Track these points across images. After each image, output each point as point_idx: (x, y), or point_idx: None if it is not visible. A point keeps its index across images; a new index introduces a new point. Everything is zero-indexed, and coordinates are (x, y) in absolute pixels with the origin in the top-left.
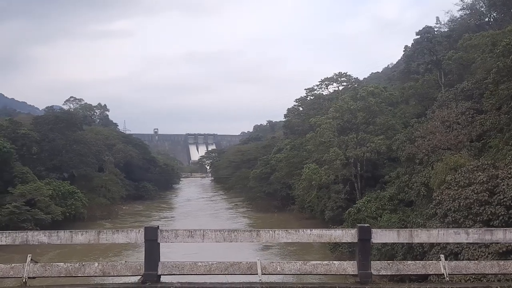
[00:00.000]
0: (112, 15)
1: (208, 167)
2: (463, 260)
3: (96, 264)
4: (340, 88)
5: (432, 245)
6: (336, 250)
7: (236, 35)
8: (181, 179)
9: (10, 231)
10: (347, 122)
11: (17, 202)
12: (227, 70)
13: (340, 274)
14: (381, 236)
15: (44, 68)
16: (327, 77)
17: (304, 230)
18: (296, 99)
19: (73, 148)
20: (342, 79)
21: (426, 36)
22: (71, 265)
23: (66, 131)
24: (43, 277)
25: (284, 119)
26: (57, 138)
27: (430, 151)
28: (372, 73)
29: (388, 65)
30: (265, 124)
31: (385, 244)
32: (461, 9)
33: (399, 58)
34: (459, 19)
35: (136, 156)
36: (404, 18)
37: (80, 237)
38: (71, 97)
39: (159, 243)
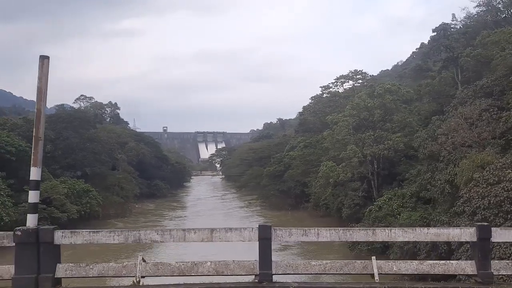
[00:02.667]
0: (123, 13)
1: (218, 165)
2: None
3: (209, 263)
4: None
5: None
6: (355, 248)
7: (246, 34)
8: (192, 177)
9: (122, 229)
10: (364, 120)
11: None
12: (237, 69)
13: (458, 274)
14: (501, 235)
15: (54, 67)
16: (342, 75)
17: (421, 229)
18: (311, 97)
19: (87, 147)
20: (358, 76)
21: (443, 33)
22: (183, 264)
23: (80, 129)
24: (155, 276)
25: (296, 117)
26: (71, 137)
27: (453, 148)
28: (381, 70)
29: (398, 63)
30: (275, 122)
31: (407, 242)
32: (477, 6)
33: (409, 55)
34: (475, 16)
35: (148, 154)
36: (413, 15)
37: (193, 235)
38: (82, 95)
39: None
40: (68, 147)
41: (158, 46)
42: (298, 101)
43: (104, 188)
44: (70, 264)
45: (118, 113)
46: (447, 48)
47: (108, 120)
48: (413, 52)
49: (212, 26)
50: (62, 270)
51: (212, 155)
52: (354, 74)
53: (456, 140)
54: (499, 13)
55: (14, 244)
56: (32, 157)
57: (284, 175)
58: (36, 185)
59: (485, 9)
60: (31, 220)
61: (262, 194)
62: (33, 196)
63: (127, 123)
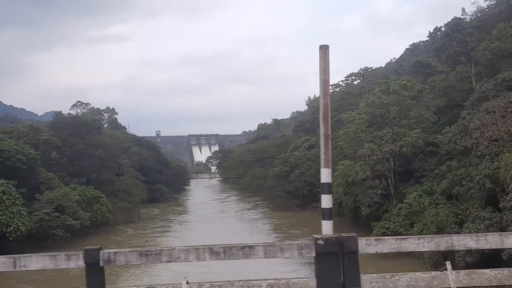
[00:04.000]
0: (109, 20)
1: (214, 168)
2: None
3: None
4: (355, 82)
5: None
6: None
7: (231, 36)
8: (190, 180)
9: (432, 236)
10: (379, 117)
11: (47, 209)
12: (223, 71)
13: None
14: None
15: (42, 74)
16: (353, 72)
17: None
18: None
19: (94, 153)
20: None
21: (455, 27)
22: (499, 273)
23: (86, 135)
24: (470, 287)
25: (290, 117)
26: (77, 143)
27: (488, 143)
28: (375, 67)
29: (391, 60)
30: (269, 123)
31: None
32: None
33: (402, 52)
34: (486, 9)
35: (150, 159)
36: (397, 14)
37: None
38: (78, 101)
39: None
40: (74, 154)
41: (145, 51)
42: (289, 101)
43: (111, 194)
44: (373, 275)
45: (116, 119)
46: (459, 42)
47: (106, 125)
48: (406, 48)
49: (197, 29)
50: (367, 282)
51: (209, 157)
52: (365, 71)
53: (490, 134)
54: None
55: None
56: (323, 157)
57: (290, 176)
58: (329, 189)
59: (494, 2)
60: (327, 227)
61: (267, 195)
62: (326, 201)
63: (125, 128)
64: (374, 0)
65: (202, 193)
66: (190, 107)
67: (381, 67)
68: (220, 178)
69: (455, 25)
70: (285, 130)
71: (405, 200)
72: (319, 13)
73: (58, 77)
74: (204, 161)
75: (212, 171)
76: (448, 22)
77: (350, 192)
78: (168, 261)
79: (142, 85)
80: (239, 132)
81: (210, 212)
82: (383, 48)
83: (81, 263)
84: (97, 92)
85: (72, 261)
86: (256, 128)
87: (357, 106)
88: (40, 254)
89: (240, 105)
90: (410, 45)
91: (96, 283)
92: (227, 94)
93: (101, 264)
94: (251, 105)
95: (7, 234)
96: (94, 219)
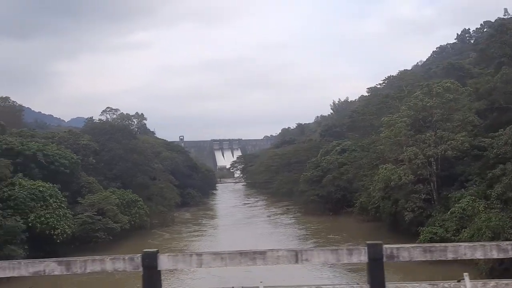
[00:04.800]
0: (131, 27)
1: (238, 172)
2: None
3: None
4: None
5: None
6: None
7: (250, 42)
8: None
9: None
10: (421, 120)
11: (89, 212)
12: (243, 76)
13: None
14: None
15: (67, 82)
16: (391, 75)
17: None
18: (359, 97)
19: (130, 157)
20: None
21: (500, 28)
22: None
23: (122, 140)
24: None
25: (314, 121)
26: (115, 148)
27: None
28: (399, 71)
29: (417, 63)
30: (292, 127)
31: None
32: None
33: (429, 55)
34: None
35: (181, 163)
36: (420, 17)
37: None
38: (107, 107)
39: None
40: (111, 158)
41: (166, 57)
42: (309, 105)
43: (146, 198)
44: (397, 283)
45: (145, 124)
46: (503, 43)
47: (135, 130)
48: (433, 51)
49: (218, 35)
50: None
51: (234, 162)
52: (403, 75)
53: None
54: None
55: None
56: None
57: (322, 180)
58: None
59: None
60: None
61: (298, 200)
62: None
63: (153, 133)
64: (394, 3)
65: (230, 198)
66: (212, 112)
67: (406, 70)
68: (245, 183)
69: (500, 26)
70: (312, 135)
71: (457, 205)
72: (339, 17)
73: (82, 84)
74: (227, 166)
75: (236, 175)
76: (492, 22)
77: (388, 196)
78: (453, 258)
79: (164, 91)
80: (261, 137)
81: (242, 216)
82: (404, 51)
83: (363, 258)
84: (120, 98)
85: (354, 256)
86: (277, 132)
87: (396, 109)
88: (321, 248)
89: (260, 110)
90: (437, 48)
91: (378, 277)
92: (247, 99)
93: (384, 259)
94: (272, 109)
95: (54, 237)
96: (133, 223)
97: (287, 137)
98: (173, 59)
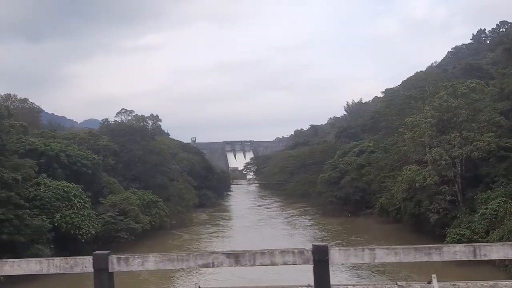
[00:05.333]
0: (143, 30)
1: (251, 174)
2: None
3: None
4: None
5: None
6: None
7: (262, 43)
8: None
9: None
10: (445, 121)
11: (111, 212)
12: (255, 78)
13: None
14: None
15: (81, 83)
16: (409, 77)
17: None
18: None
19: (149, 158)
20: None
21: None
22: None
23: (141, 141)
24: None
25: (327, 123)
26: (134, 149)
27: None
28: (416, 72)
29: (432, 64)
30: (305, 128)
31: None
32: None
33: (444, 56)
34: None
35: (197, 164)
36: (434, 17)
37: None
38: (122, 109)
39: None
40: (131, 159)
41: (177, 59)
42: (321, 107)
43: (165, 198)
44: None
45: (160, 125)
46: None
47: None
48: (448, 52)
49: (229, 37)
50: None
51: (247, 164)
52: (427, 76)
53: None
54: None
55: None
56: None
57: (340, 182)
58: None
59: None
60: None
61: (316, 201)
62: None
63: (168, 134)
64: (408, 4)
65: (244, 199)
66: (223, 114)
67: (421, 71)
68: (258, 184)
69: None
70: (326, 136)
71: (488, 206)
72: (352, 19)
73: (95, 86)
74: (239, 168)
75: (248, 177)
76: (508, 23)
77: (410, 198)
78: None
79: (176, 93)
80: (273, 138)
81: (259, 218)
82: (417, 52)
83: None
84: (132, 100)
85: None
86: (289, 134)
87: (419, 110)
88: (500, 243)
89: (272, 111)
90: (452, 48)
91: None
92: (259, 101)
93: None
94: (283, 111)
95: (79, 236)
96: (153, 223)
97: (301, 139)
98: (185, 61)
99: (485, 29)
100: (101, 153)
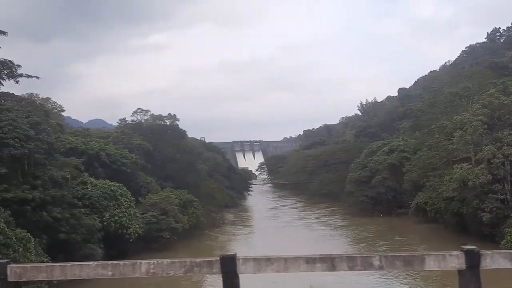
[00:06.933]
0: (149, 29)
1: (265, 174)
2: None
3: None
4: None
5: None
6: None
7: (269, 43)
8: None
9: None
10: (496, 119)
11: (153, 212)
12: (262, 78)
13: None
14: None
15: (86, 83)
16: (424, 75)
17: None
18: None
19: (181, 157)
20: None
21: None
22: None
23: (173, 141)
24: None
25: (339, 122)
26: (167, 148)
27: None
28: (430, 71)
29: (445, 63)
30: (312, 128)
31: None
32: None
33: (458, 55)
34: None
35: (221, 164)
36: (439, 16)
37: None
38: (138, 108)
39: None
40: (165, 158)
41: (185, 59)
42: (329, 106)
43: (198, 198)
44: None
45: (177, 124)
46: None
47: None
48: (462, 51)
49: (235, 37)
50: None
51: (262, 163)
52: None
53: None
54: None
55: None
56: None
57: (371, 181)
58: None
59: None
60: None
61: (345, 201)
62: None
63: (186, 134)
64: (414, 3)
65: (263, 199)
66: (230, 113)
67: (435, 70)
68: (272, 184)
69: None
70: (341, 136)
71: None
72: (358, 19)
73: (100, 86)
74: (249, 168)
75: (262, 177)
76: None
77: (452, 197)
78: None
79: (183, 93)
80: (280, 138)
81: (289, 218)
82: (426, 51)
83: None
84: (139, 101)
85: None
86: (297, 134)
87: (464, 108)
88: None
89: (279, 111)
90: (466, 47)
91: None
92: (266, 101)
93: None
94: (290, 111)
95: (127, 236)
96: (190, 223)
97: (317, 138)
98: (191, 61)
99: (499, 28)
100: (134, 152)
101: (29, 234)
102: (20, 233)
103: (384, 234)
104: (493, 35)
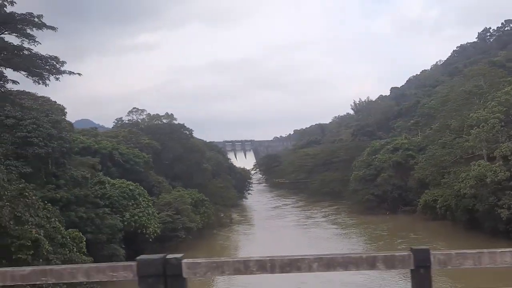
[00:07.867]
0: (138, 29)
1: (260, 173)
2: None
3: None
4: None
5: None
6: None
7: (257, 43)
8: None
9: None
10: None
11: (168, 211)
12: (251, 77)
13: None
14: None
15: (73, 83)
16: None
17: None
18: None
19: (189, 156)
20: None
21: None
22: None
23: (180, 140)
24: None
25: (331, 121)
26: (175, 147)
27: None
28: (422, 70)
29: (437, 62)
30: (304, 127)
31: None
32: None
33: (449, 55)
34: None
35: (223, 163)
36: (426, 17)
37: None
38: (134, 108)
39: None
40: (174, 158)
41: (173, 58)
42: (318, 106)
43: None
44: None
45: (184, 124)
46: None
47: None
48: (453, 50)
49: (224, 36)
50: None
51: (256, 163)
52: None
53: None
54: None
55: None
56: None
57: (376, 179)
58: None
59: None
60: None
61: (348, 199)
62: None
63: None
64: (402, 3)
65: (263, 199)
66: (219, 113)
67: (426, 70)
68: (267, 184)
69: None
70: (335, 135)
71: None
72: (347, 18)
73: (88, 86)
74: (241, 167)
75: (254, 176)
76: None
77: (463, 194)
78: None
79: (173, 92)
80: (270, 138)
81: (297, 217)
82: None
83: None
84: (128, 101)
85: None
86: (287, 133)
87: (478, 106)
88: None
89: (269, 110)
90: (457, 47)
91: None
92: (255, 100)
93: None
94: (279, 110)
95: (147, 235)
96: (202, 222)
97: (312, 137)
98: (181, 61)
99: (490, 28)
100: (144, 151)
101: (80, 234)
102: (73, 233)
103: (397, 232)
104: (484, 35)
